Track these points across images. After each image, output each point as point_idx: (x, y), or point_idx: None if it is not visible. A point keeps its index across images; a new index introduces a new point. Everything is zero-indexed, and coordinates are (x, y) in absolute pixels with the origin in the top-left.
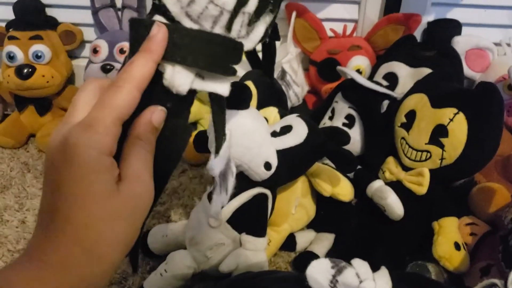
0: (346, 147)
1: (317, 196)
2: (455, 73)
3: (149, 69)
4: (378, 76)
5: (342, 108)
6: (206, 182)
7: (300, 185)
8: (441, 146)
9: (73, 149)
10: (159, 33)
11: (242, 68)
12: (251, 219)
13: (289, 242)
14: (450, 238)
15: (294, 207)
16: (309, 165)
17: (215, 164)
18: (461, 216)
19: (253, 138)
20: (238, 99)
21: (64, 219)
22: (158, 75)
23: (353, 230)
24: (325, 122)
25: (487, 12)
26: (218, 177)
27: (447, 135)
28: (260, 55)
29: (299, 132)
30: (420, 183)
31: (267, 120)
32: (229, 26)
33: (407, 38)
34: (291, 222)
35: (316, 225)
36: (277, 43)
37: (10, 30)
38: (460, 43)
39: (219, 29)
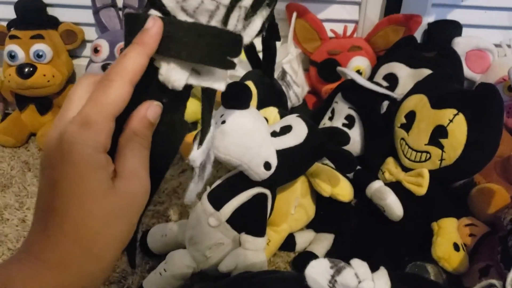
0: (346, 147)
1: (316, 196)
2: (455, 74)
3: (142, 63)
4: (378, 77)
5: (342, 109)
6: (206, 181)
7: (299, 185)
8: (441, 147)
9: (68, 147)
10: (154, 27)
11: (242, 68)
12: (250, 219)
13: (289, 242)
14: (449, 239)
15: (293, 207)
16: (309, 165)
17: (197, 156)
18: (461, 217)
19: (253, 138)
20: (238, 99)
21: (61, 217)
22: (153, 70)
23: (353, 230)
24: (325, 123)
25: (487, 13)
26: (198, 168)
27: (446, 136)
28: (260, 55)
29: (299, 132)
30: (419, 184)
31: (267, 120)
32: (225, 21)
33: (408, 39)
34: (290, 222)
35: (315, 225)
36: (278, 43)
37: (12, 29)
38: (460, 44)
39: (215, 24)
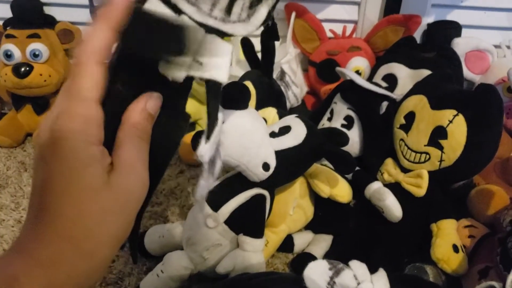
0: (345, 148)
1: (315, 197)
2: (454, 75)
3: (107, 37)
4: (378, 77)
5: (341, 109)
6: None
7: (298, 186)
8: (440, 148)
9: (58, 142)
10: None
11: (241, 68)
12: (248, 220)
13: (287, 243)
14: (448, 240)
15: (292, 208)
16: (308, 166)
17: (205, 150)
18: (460, 218)
19: (251, 138)
20: (237, 99)
21: (52, 214)
22: (153, 63)
23: (351, 231)
24: (324, 123)
25: (487, 14)
26: (207, 163)
27: (446, 137)
28: (259, 55)
29: (298, 133)
30: (418, 185)
31: (265, 120)
32: (229, 9)
33: (407, 40)
34: (289, 223)
35: (314, 226)
36: (276, 43)
37: (8, 28)
38: (460, 45)
39: (218, 12)
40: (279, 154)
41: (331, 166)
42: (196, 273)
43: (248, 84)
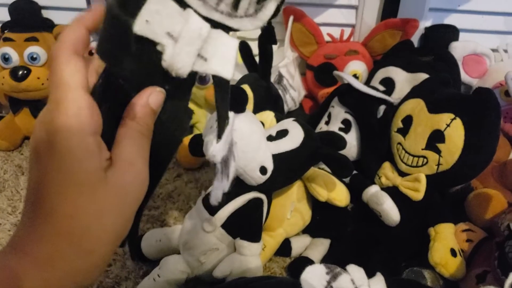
0: (342, 152)
1: (312, 201)
2: (452, 78)
3: (80, 32)
4: (375, 81)
5: (338, 113)
6: (201, 186)
7: (295, 190)
8: (438, 151)
9: (52, 137)
10: (97, 7)
11: (238, 71)
12: (246, 224)
13: (284, 247)
14: (446, 244)
15: (289, 212)
16: (305, 169)
17: (218, 150)
18: (458, 222)
19: (249, 142)
20: (234, 102)
21: (48, 211)
22: (156, 55)
23: (349, 235)
24: (322, 127)
25: (484, 18)
26: (220, 164)
27: (443, 141)
28: (257, 59)
29: (295, 136)
30: (416, 189)
31: (263, 124)
32: (236, 4)
33: (404, 43)
34: (286, 227)
35: (311, 230)
36: (274, 47)
37: (6, 31)
38: (457, 49)
39: (224, 7)
40: (276, 157)
41: (328, 169)
42: (193, 277)
43: (246, 87)
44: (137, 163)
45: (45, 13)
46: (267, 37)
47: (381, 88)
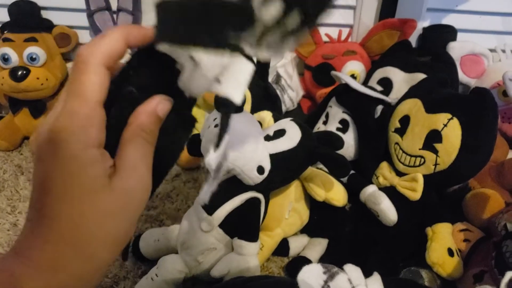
0: (340, 151)
1: (310, 200)
2: (450, 78)
3: (119, 48)
4: (373, 81)
5: (336, 113)
6: (200, 186)
7: (293, 190)
8: (435, 151)
9: (57, 144)
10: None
11: None
12: (243, 224)
13: (282, 247)
14: (443, 244)
15: (287, 212)
16: (302, 169)
17: (213, 159)
18: (455, 222)
19: (246, 142)
20: None
21: (51, 216)
22: (174, 72)
23: (347, 235)
24: (319, 127)
25: (482, 18)
26: (214, 170)
27: (441, 141)
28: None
29: (292, 136)
30: (413, 189)
31: (261, 124)
32: (260, 38)
33: (402, 44)
34: (284, 226)
35: (309, 230)
36: None
37: (5, 32)
38: (455, 49)
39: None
40: (273, 157)
41: (326, 169)
42: (191, 277)
43: None
44: (141, 169)
45: (45, 14)
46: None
47: (379, 88)
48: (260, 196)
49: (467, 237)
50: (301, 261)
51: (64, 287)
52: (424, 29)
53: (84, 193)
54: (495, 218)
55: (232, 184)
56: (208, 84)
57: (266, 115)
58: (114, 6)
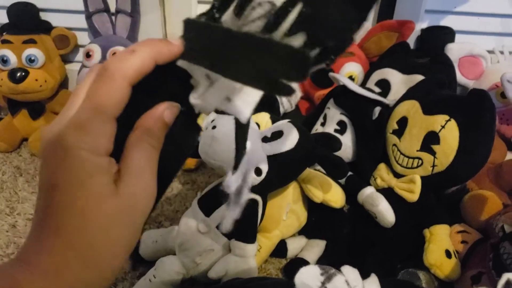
0: (338, 153)
1: (308, 202)
2: (448, 80)
3: (147, 66)
4: (371, 83)
5: (334, 115)
6: (198, 187)
7: (291, 191)
8: (433, 153)
9: (66, 151)
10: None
11: None
12: (241, 225)
13: (280, 249)
14: (441, 245)
15: (285, 213)
16: (300, 171)
17: (233, 181)
18: (453, 224)
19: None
20: None
21: (57, 223)
22: (186, 88)
23: (345, 236)
24: (317, 128)
25: (480, 19)
26: (233, 194)
27: (438, 142)
28: None
29: (290, 138)
30: (411, 190)
31: (259, 125)
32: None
33: (400, 45)
34: (282, 228)
35: (307, 231)
36: None
37: (4, 33)
38: (454, 50)
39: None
40: (271, 159)
41: (324, 171)
42: (188, 278)
43: None
44: (145, 174)
45: (43, 16)
46: None
47: (377, 90)
48: (258, 197)
49: (464, 238)
50: (299, 262)
51: None
52: (422, 30)
53: (91, 201)
54: (493, 220)
55: None
56: (219, 102)
57: (264, 117)
58: (112, 8)
